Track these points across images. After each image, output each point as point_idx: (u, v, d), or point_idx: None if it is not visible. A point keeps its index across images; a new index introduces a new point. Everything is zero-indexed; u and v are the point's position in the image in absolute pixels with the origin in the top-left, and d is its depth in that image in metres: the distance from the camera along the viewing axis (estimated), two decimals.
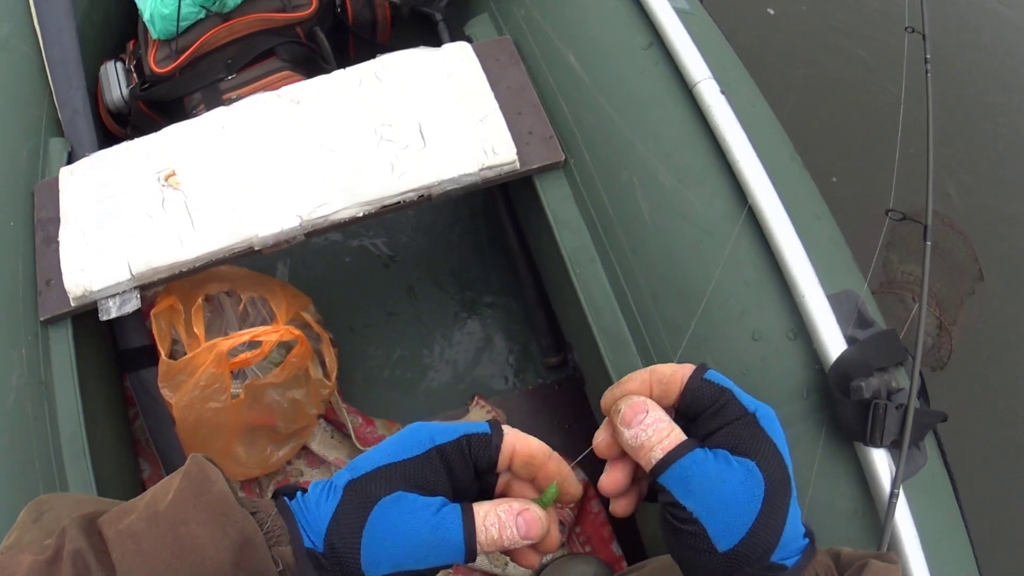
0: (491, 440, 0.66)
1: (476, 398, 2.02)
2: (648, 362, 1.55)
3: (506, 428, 0.68)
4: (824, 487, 1.39)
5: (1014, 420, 2.67)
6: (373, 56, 1.81)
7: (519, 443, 0.67)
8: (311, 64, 2.15)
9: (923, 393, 1.74)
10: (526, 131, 1.68)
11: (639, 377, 0.69)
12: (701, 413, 0.66)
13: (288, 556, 0.60)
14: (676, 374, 0.67)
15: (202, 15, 2.01)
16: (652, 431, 0.65)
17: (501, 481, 0.69)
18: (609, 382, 1.54)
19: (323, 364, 1.89)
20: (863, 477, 1.38)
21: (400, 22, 2.16)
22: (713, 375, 0.67)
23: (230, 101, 1.93)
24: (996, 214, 3.14)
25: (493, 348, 2.13)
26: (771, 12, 3.36)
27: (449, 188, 1.65)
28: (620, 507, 0.73)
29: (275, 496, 0.67)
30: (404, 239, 2.22)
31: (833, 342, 1.42)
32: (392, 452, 0.64)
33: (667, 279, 1.54)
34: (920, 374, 1.74)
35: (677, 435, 0.64)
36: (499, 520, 0.63)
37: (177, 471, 0.63)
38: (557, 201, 1.67)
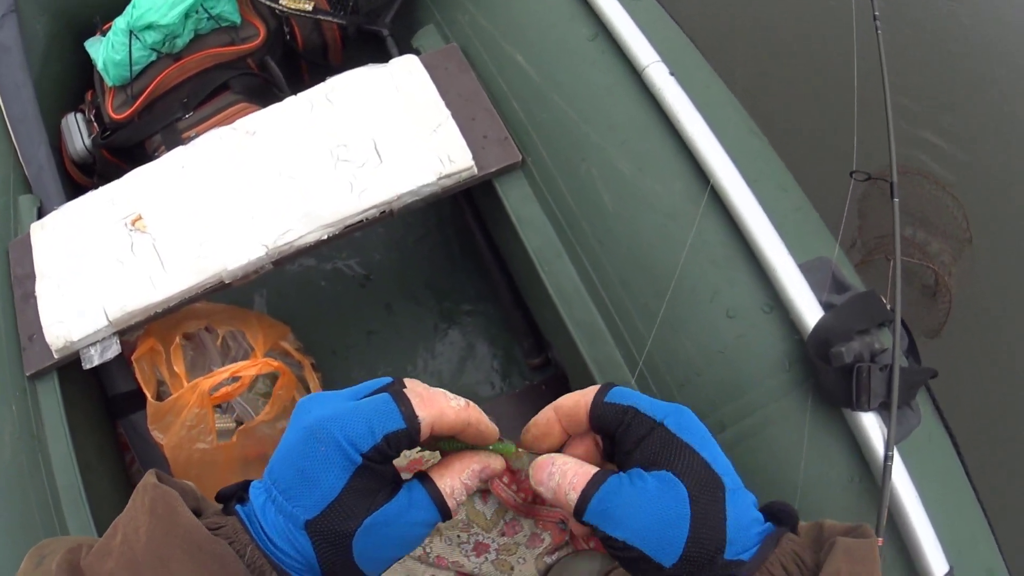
0: (409, 433, 0.60)
1: None
2: (625, 351, 1.55)
3: (418, 405, 0.61)
4: (817, 457, 1.38)
5: (1012, 385, 2.66)
6: (327, 78, 1.80)
7: (436, 423, 0.62)
8: (266, 94, 2.14)
9: (912, 351, 1.72)
10: (481, 135, 1.67)
11: (544, 417, 0.70)
12: (612, 435, 0.66)
13: None
14: (579, 404, 0.67)
15: (153, 57, 2.01)
16: (559, 477, 0.64)
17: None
18: (589, 375, 1.55)
19: (308, 391, 1.88)
20: (856, 443, 1.37)
21: (350, 42, 2.16)
22: (616, 394, 0.66)
23: (190, 139, 1.92)
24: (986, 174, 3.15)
25: (476, 355, 2.12)
26: None
27: (410, 201, 1.65)
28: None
29: (221, 501, 0.65)
30: (377, 257, 2.22)
31: (809, 310, 1.41)
32: (327, 475, 0.59)
33: (635, 266, 1.53)
34: (908, 332, 1.73)
35: (584, 472, 0.63)
36: (465, 486, 0.65)
37: (138, 497, 0.61)
38: (518, 201, 1.66)
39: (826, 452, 1.38)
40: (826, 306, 1.43)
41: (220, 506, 0.65)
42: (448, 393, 0.65)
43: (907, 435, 1.43)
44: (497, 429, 0.68)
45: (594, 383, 1.50)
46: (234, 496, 0.64)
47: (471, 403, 0.66)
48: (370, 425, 0.59)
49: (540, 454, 0.68)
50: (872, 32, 1.78)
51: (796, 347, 1.44)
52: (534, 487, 0.66)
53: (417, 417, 0.60)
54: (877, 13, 1.79)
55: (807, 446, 1.37)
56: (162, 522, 0.58)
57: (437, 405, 0.62)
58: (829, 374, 1.38)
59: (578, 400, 0.67)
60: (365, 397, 0.62)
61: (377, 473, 0.60)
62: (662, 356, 1.50)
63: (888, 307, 1.68)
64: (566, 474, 0.63)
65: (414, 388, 0.63)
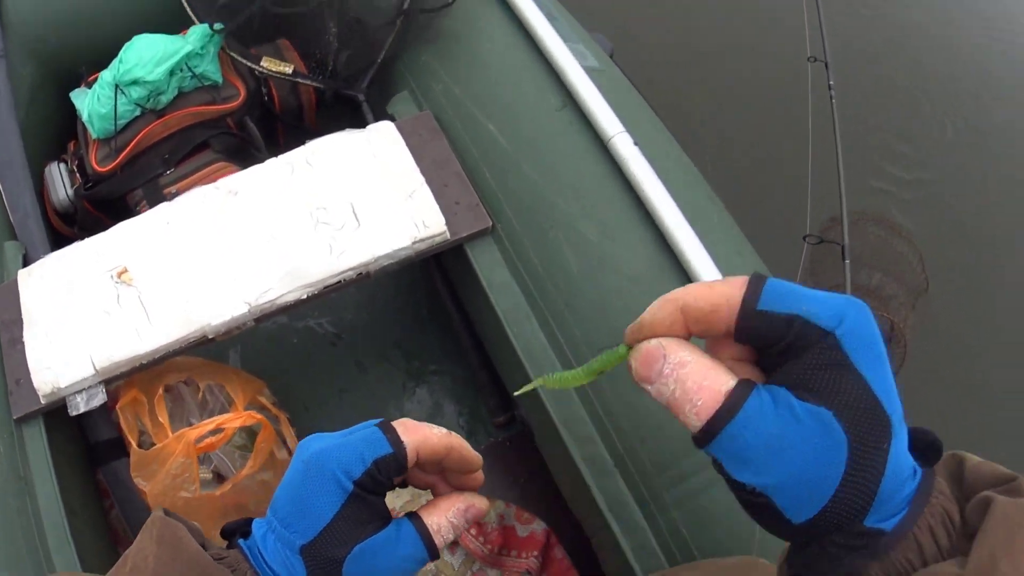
0: (396, 458, 0.65)
1: None
2: (589, 408, 1.61)
3: (403, 432, 0.67)
4: None
5: (967, 425, 2.77)
6: (301, 142, 1.86)
7: (421, 447, 0.67)
8: (244, 153, 2.21)
9: None
10: (453, 201, 1.74)
11: (663, 313, 0.54)
12: (765, 349, 0.51)
13: None
14: (719, 309, 0.50)
15: (137, 112, 2.07)
16: (676, 386, 0.51)
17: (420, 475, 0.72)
18: (556, 433, 1.60)
19: (285, 444, 1.93)
20: None
21: (325, 105, 2.23)
22: (773, 297, 0.49)
23: (171, 196, 1.98)
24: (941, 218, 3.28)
25: (443, 413, 2.17)
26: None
27: (386, 263, 1.71)
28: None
29: (226, 536, 0.71)
30: (348, 317, 2.27)
31: None
32: (321, 502, 0.64)
33: (600, 327, 1.60)
34: None
35: (713, 388, 0.49)
36: (452, 525, 0.69)
37: (146, 531, 0.67)
38: (488, 265, 1.73)
39: None
40: None
41: (224, 543, 0.71)
42: (431, 424, 0.70)
43: None
44: (480, 456, 0.73)
45: (560, 441, 1.58)
46: (237, 531, 0.70)
47: (452, 432, 0.71)
48: (360, 452, 0.64)
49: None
50: (827, 99, 1.89)
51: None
52: (637, 381, 0.54)
53: (403, 442, 0.66)
54: (832, 83, 1.90)
55: None
56: (169, 550, 0.64)
57: (421, 431, 0.68)
58: None
59: (716, 303, 0.51)
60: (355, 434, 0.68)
61: (369, 504, 0.65)
62: (624, 412, 1.57)
63: None
64: (686, 383, 0.50)
65: (400, 421, 0.69)
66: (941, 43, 3.88)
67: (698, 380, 0.50)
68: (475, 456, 0.72)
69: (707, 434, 0.50)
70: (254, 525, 0.69)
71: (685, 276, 1.58)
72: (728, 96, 3.38)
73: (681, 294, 0.53)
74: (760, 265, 1.71)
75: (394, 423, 0.68)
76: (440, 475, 0.73)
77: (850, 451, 0.47)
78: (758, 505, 0.51)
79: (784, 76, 2.66)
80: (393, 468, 0.65)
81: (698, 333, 0.53)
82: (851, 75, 3.62)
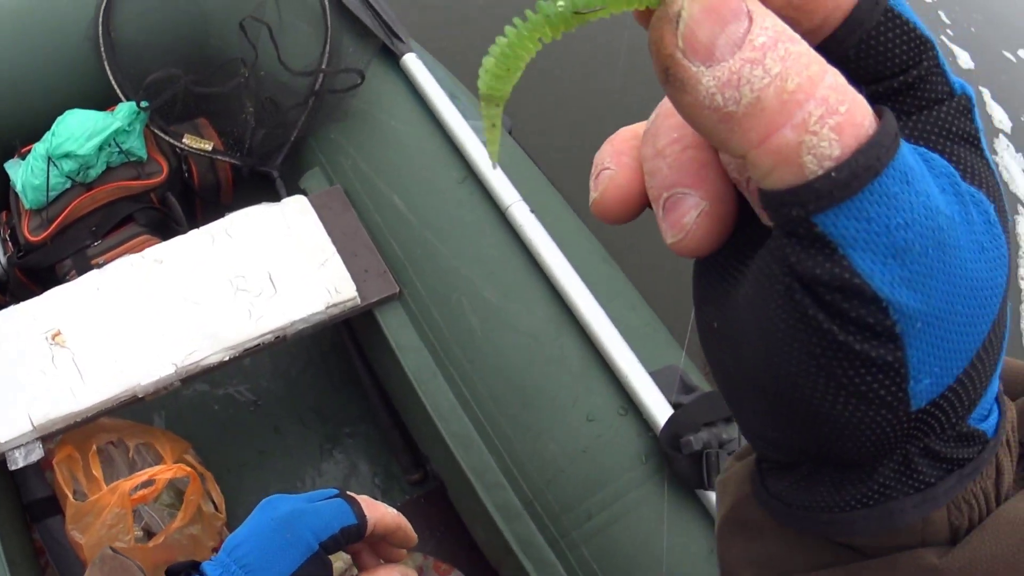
0: (359, 528, 0.78)
1: None
2: (497, 458, 1.72)
3: (365, 507, 0.80)
4: (679, 534, 1.57)
5: None
6: (219, 217, 1.97)
7: (378, 523, 0.80)
8: (165, 227, 2.29)
9: None
10: (363, 269, 1.86)
11: None
12: (880, 79, 0.29)
13: None
14: None
15: (68, 184, 2.14)
16: (779, 66, 0.25)
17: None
18: (467, 483, 1.71)
19: (212, 500, 2.00)
20: (711, 518, 1.56)
21: (241, 182, 2.33)
22: (903, 4, 0.29)
23: (98, 266, 2.05)
24: None
25: (359, 473, 2.25)
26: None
27: (301, 327, 1.81)
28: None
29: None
30: (265, 383, 2.36)
31: (660, 410, 1.62)
32: (288, 555, 0.74)
33: (504, 383, 1.72)
34: None
35: (854, 118, 0.25)
36: None
37: (96, 567, 0.75)
38: (396, 329, 1.84)
39: (687, 529, 1.57)
40: (675, 406, 1.64)
41: None
42: (384, 504, 0.83)
43: None
44: (416, 537, 0.86)
45: (472, 490, 1.69)
46: (182, 572, 0.78)
47: (400, 513, 0.83)
48: (330, 520, 0.77)
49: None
50: None
51: (650, 442, 1.64)
52: (669, 67, 0.26)
53: (366, 516, 0.79)
54: None
55: (668, 526, 1.56)
56: None
57: (379, 509, 0.81)
58: (681, 461, 1.58)
59: None
60: (320, 501, 0.80)
61: (324, 563, 0.77)
62: (530, 459, 1.68)
63: None
64: (790, 107, 0.25)
65: (362, 497, 0.81)
66: None
67: (833, 103, 0.25)
68: (415, 536, 0.84)
69: (848, 174, 0.25)
70: (206, 567, 0.76)
71: (582, 332, 1.71)
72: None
73: None
74: (654, 320, 1.85)
75: (357, 498, 0.80)
76: (368, 545, 0.85)
77: (1008, 275, 0.29)
78: (868, 363, 0.27)
79: None
80: (354, 536, 0.78)
81: (779, 13, 0.26)
82: None
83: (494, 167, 0.60)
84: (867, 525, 0.31)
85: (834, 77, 0.25)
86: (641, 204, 0.33)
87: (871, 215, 0.25)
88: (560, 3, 0.27)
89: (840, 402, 0.28)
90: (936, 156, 0.28)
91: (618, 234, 2.63)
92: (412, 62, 2.04)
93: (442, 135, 1.95)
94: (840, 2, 0.27)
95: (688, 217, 0.30)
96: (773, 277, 0.27)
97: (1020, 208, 4.98)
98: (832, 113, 0.24)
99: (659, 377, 1.70)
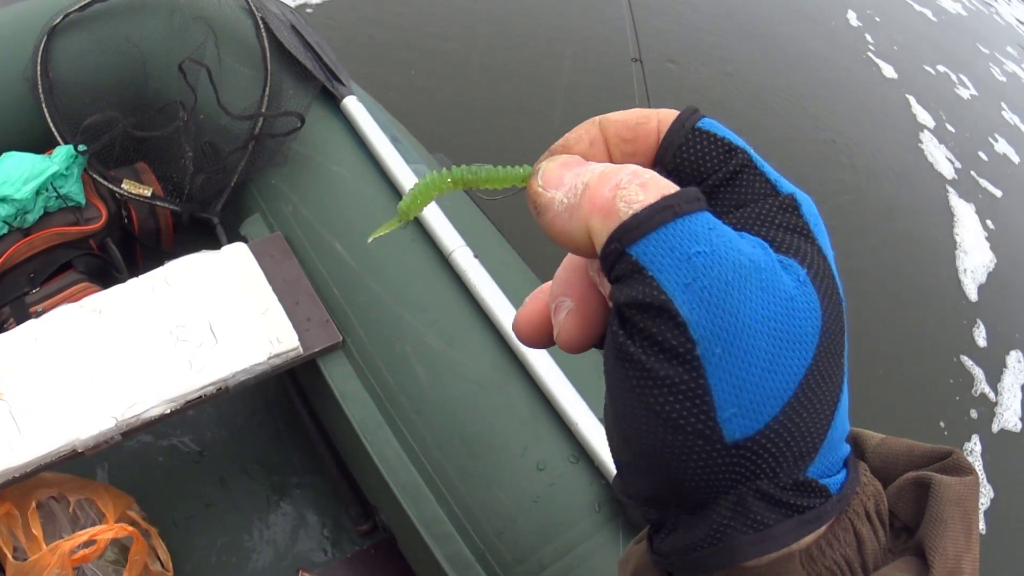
0: None
1: (300, 572, 2.08)
2: (447, 508, 1.68)
3: None
4: None
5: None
6: (160, 263, 1.92)
7: None
8: (105, 274, 2.24)
9: None
10: (305, 318, 1.82)
11: (580, 130, 0.40)
12: (699, 180, 0.37)
13: None
14: (647, 123, 0.38)
15: (5, 230, 2.08)
16: (591, 178, 0.35)
17: None
18: (417, 535, 1.67)
19: (158, 557, 1.94)
20: None
21: (182, 227, 2.29)
22: (711, 123, 0.37)
23: (37, 314, 2.00)
24: None
25: (307, 524, 2.21)
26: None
27: (243, 379, 1.77)
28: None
29: None
30: (209, 434, 2.30)
31: (610, 457, 1.59)
32: None
33: (451, 432, 1.69)
34: None
35: (658, 181, 0.34)
36: None
37: None
38: (341, 378, 1.80)
39: None
40: None
41: None
42: None
43: None
44: None
45: (422, 542, 1.65)
46: None
47: None
48: None
49: None
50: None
51: (604, 490, 1.61)
52: (537, 202, 0.38)
53: None
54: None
55: None
56: None
57: None
58: (633, 508, 1.55)
59: (645, 115, 0.39)
60: None
61: None
62: (480, 509, 1.65)
63: None
64: (613, 176, 0.34)
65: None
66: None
67: (634, 177, 0.34)
68: None
69: (652, 210, 0.32)
70: None
71: (530, 378, 1.68)
72: None
73: (601, 117, 0.39)
74: (601, 360, 1.82)
75: None
76: None
77: (822, 331, 0.33)
78: (671, 389, 0.31)
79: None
80: None
81: (620, 157, 0.38)
82: None
83: (368, 240, 0.63)
84: (712, 562, 0.34)
85: (638, 167, 0.35)
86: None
87: (673, 244, 0.31)
88: (450, 179, 0.40)
89: (661, 432, 0.32)
90: (752, 235, 0.34)
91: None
92: (353, 105, 2.02)
93: (383, 179, 1.93)
94: (652, 130, 0.38)
95: (561, 316, 0.39)
96: (610, 330, 0.34)
97: (948, 188, 6.04)
98: (638, 177, 0.34)
99: None
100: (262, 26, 2.15)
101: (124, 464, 2.25)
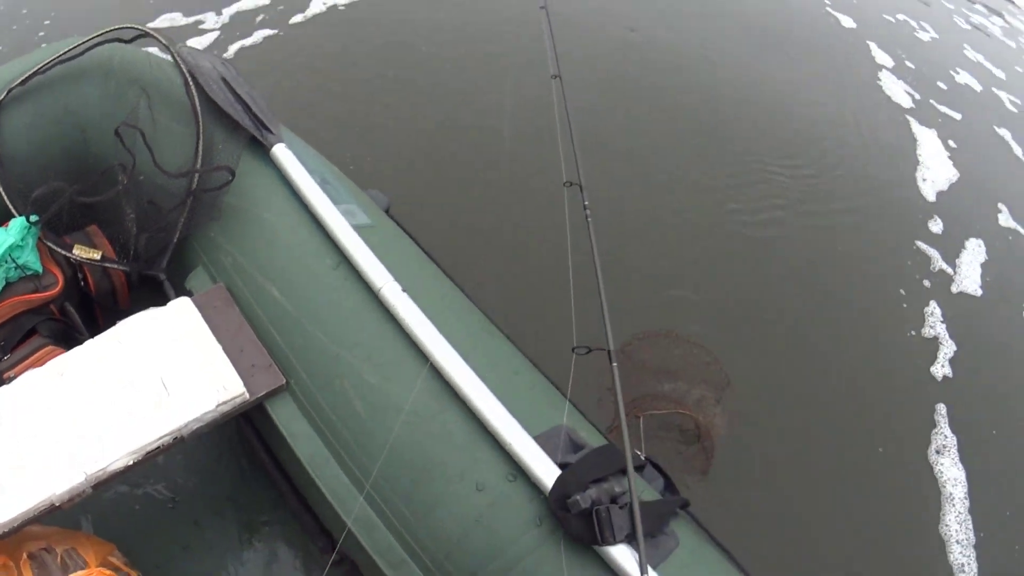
0: None
1: None
2: (397, 535, 1.76)
3: None
4: None
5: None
6: (118, 321, 2.00)
7: None
8: (69, 337, 2.31)
9: (669, 487, 1.99)
10: (250, 364, 1.89)
11: None
12: None
13: None
14: None
15: None
16: None
17: None
18: (373, 563, 1.74)
19: None
20: (613, 573, 1.60)
21: (136, 285, 2.36)
22: None
23: (10, 379, 2.08)
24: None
25: (279, 559, 2.28)
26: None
27: (196, 427, 1.84)
28: None
29: None
30: (180, 479, 2.37)
31: (547, 473, 1.66)
32: None
33: (394, 461, 1.75)
34: (662, 472, 2.00)
35: None
36: None
37: None
38: (287, 419, 1.87)
39: None
40: (563, 466, 1.68)
41: None
42: None
43: (666, 557, 1.68)
44: None
45: (379, 570, 1.71)
46: None
47: None
48: None
49: None
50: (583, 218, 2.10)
51: (543, 505, 1.67)
52: None
53: None
54: (587, 202, 2.11)
55: None
56: None
57: None
58: (572, 520, 1.62)
59: None
60: None
61: None
62: (427, 533, 1.71)
63: (643, 457, 1.97)
64: None
65: None
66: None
67: None
68: None
69: None
70: None
71: (462, 404, 1.75)
72: (496, 228, 3.77)
73: None
74: (538, 380, 1.89)
75: None
76: None
77: None
78: None
79: (545, 202, 2.92)
80: None
81: None
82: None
83: None
84: None
85: None
86: None
87: None
88: None
89: None
90: None
91: (501, 302, 2.70)
92: (281, 152, 2.09)
93: (314, 223, 2.00)
94: None
95: None
96: None
97: (908, 117, 6.53)
98: None
99: (545, 440, 1.74)
100: (191, 83, 2.22)
101: (106, 514, 2.33)
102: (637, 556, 1.56)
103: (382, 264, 1.88)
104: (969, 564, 3.41)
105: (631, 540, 1.60)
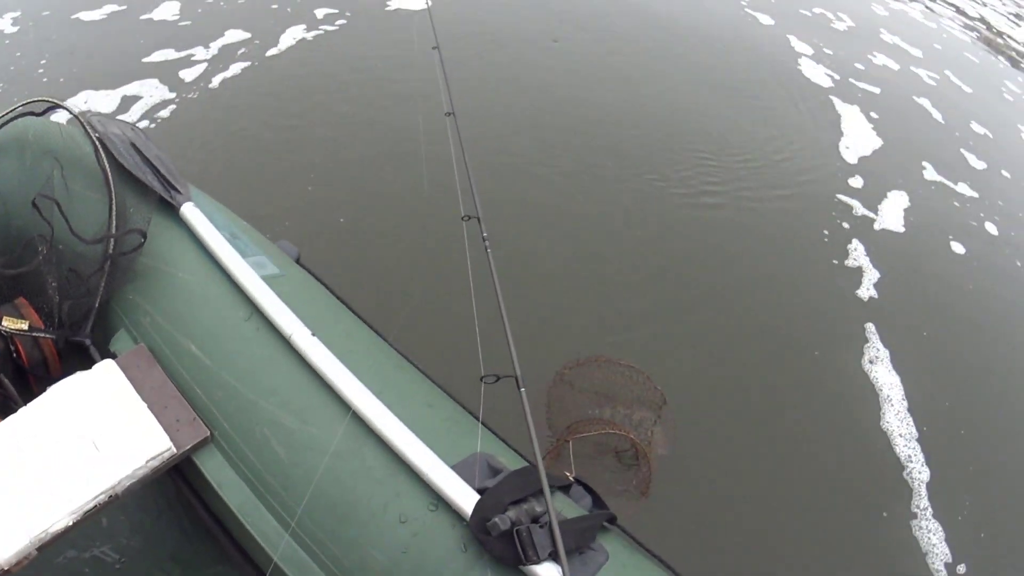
0: None
1: None
2: (329, 574, 1.80)
3: None
4: None
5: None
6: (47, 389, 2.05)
7: None
8: (4, 407, 2.36)
9: (597, 503, 2.05)
10: (174, 419, 1.95)
11: None
12: None
13: None
14: None
15: None
16: None
17: None
18: None
19: None
20: None
21: (66, 352, 2.41)
22: None
23: None
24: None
25: None
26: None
27: (128, 484, 1.90)
28: None
29: None
30: (124, 540, 2.41)
31: (466, 499, 1.72)
32: None
33: (318, 502, 1.81)
34: (589, 490, 2.07)
35: None
36: None
37: None
38: (215, 470, 1.92)
39: None
40: (481, 491, 1.75)
41: None
42: None
43: (595, 571, 1.74)
44: None
45: None
46: None
47: None
48: None
49: None
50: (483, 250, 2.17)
51: (466, 531, 1.73)
52: None
53: None
54: (485, 233, 2.18)
55: None
56: None
57: None
58: (494, 543, 1.68)
59: None
60: None
61: None
62: (358, 569, 1.77)
63: (571, 477, 2.03)
64: None
65: None
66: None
67: None
68: None
69: None
70: None
71: (379, 440, 1.81)
72: (407, 265, 3.95)
73: None
74: (454, 411, 1.96)
75: None
76: None
77: None
78: None
79: (446, 235, 3.02)
80: None
81: None
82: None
83: None
84: None
85: None
86: None
87: None
88: None
89: None
90: None
91: (417, 337, 2.78)
92: (190, 211, 2.15)
93: (225, 277, 2.06)
94: None
95: None
96: None
97: (830, 96, 7.27)
98: None
99: (463, 467, 1.80)
100: (101, 150, 2.28)
101: None
102: (563, 573, 1.60)
103: (292, 312, 1.94)
104: (915, 455, 3.78)
105: (556, 558, 1.64)
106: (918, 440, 3.86)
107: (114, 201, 2.22)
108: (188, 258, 2.12)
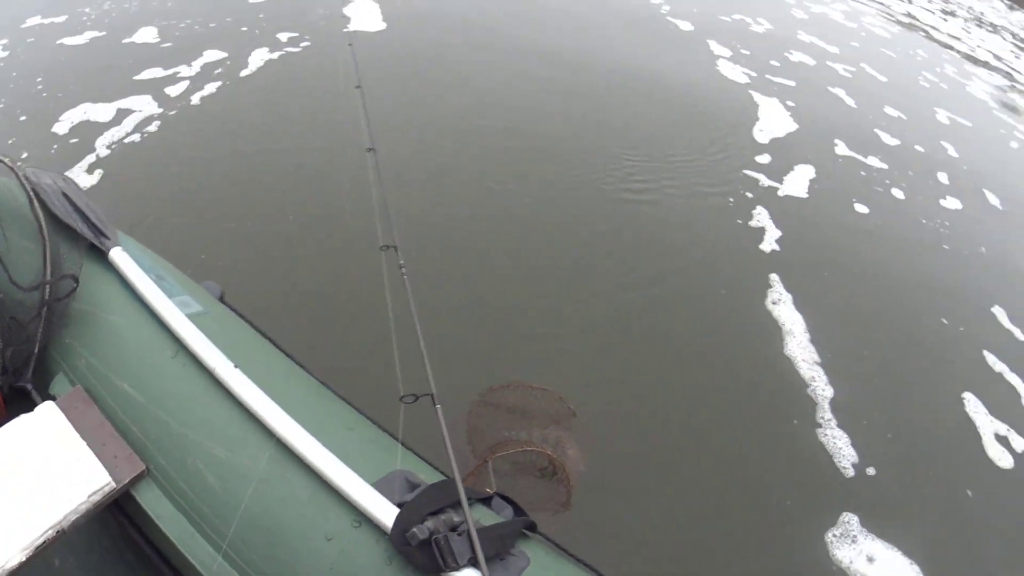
0: None
1: None
2: None
3: None
4: None
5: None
6: None
7: None
8: None
9: (518, 512, 2.17)
10: (112, 456, 2.06)
11: None
12: None
13: None
14: None
15: None
16: None
17: None
18: None
19: None
20: None
21: (12, 398, 2.51)
22: None
23: None
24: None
25: None
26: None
27: (74, 518, 2.00)
28: None
29: None
30: None
31: (386, 514, 1.84)
32: None
33: (250, 527, 1.92)
34: (510, 502, 2.18)
35: None
36: None
37: None
38: (153, 502, 2.04)
39: None
40: (401, 505, 1.87)
41: None
42: None
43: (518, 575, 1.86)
44: None
45: None
46: None
47: None
48: None
49: None
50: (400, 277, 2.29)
51: (389, 544, 1.85)
52: None
53: None
54: (402, 261, 2.30)
55: None
56: None
57: None
58: (415, 553, 1.79)
59: None
60: None
61: None
62: None
63: (491, 491, 2.15)
64: None
65: None
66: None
67: None
68: None
69: None
70: None
71: (303, 464, 1.94)
72: (328, 296, 4.10)
73: None
74: (373, 433, 2.08)
75: None
76: None
77: None
78: None
79: (366, 265, 3.16)
80: None
81: None
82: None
83: None
84: None
85: None
86: None
87: None
88: None
89: None
90: None
91: (338, 364, 2.91)
92: (118, 255, 2.26)
93: (152, 317, 2.17)
94: None
95: None
96: None
97: (749, 90, 8.01)
98: None
99: (383, 484, 1.92)
100: (35, 200, 2.39)
101: None
102: None
103: (215, 346, 2.06)
104: (818, 376, 4.27)
105: (475, 564, 1.75)
106: (819, 364, 4.34)
107: (48, 249, 2.32)
108: (118, 301, 2.24)
